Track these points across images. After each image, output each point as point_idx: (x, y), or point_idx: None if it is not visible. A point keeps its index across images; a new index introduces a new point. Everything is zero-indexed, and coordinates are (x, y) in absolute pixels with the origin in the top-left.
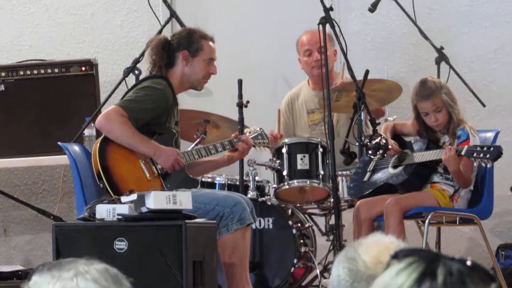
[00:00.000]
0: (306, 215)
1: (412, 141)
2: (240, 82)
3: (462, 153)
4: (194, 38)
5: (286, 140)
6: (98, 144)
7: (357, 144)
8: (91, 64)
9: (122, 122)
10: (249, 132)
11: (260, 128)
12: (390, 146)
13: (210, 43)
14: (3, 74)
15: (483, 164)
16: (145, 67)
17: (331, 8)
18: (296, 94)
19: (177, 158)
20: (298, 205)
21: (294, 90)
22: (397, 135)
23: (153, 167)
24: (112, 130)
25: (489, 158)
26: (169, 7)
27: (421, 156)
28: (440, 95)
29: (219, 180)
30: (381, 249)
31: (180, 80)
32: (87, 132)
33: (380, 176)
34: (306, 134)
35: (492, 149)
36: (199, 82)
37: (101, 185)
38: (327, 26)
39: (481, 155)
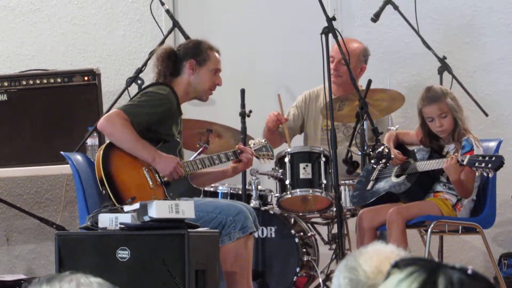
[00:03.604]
0: (309, 224)
1: (415, 150)
2: (242, 91)
3: (464, 162)
4: (202, 48)
5: (289, 150)
6: (101, 151)
7: (359, 153)
8: (93, 74)
9: (124, 125)
10: (254, 144)
11: (265, 140)
12: (393, 156)
13: (216, 54)
14: (5, 84)
15: (485, 174)
16: (147, 77)
17: (334, 18)
18: (316, 94)
19: (176, 166)
20: (300, 214)
21: (314, 89)
22: (400, 144)
23: (156, 175)
24: (113, 133)
25: (490, 167)
26: (172, 17)
27: (423, 165)
28: (445, 99)
29: (221, 189)
30: (381, 258)
31: (185, 89)
32: (89, 141)
33: (383, 185)
34: (318, 137)
35: (494, 158)
36: (205, 92)
37: (103, 191)
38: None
39: (483, 164)
